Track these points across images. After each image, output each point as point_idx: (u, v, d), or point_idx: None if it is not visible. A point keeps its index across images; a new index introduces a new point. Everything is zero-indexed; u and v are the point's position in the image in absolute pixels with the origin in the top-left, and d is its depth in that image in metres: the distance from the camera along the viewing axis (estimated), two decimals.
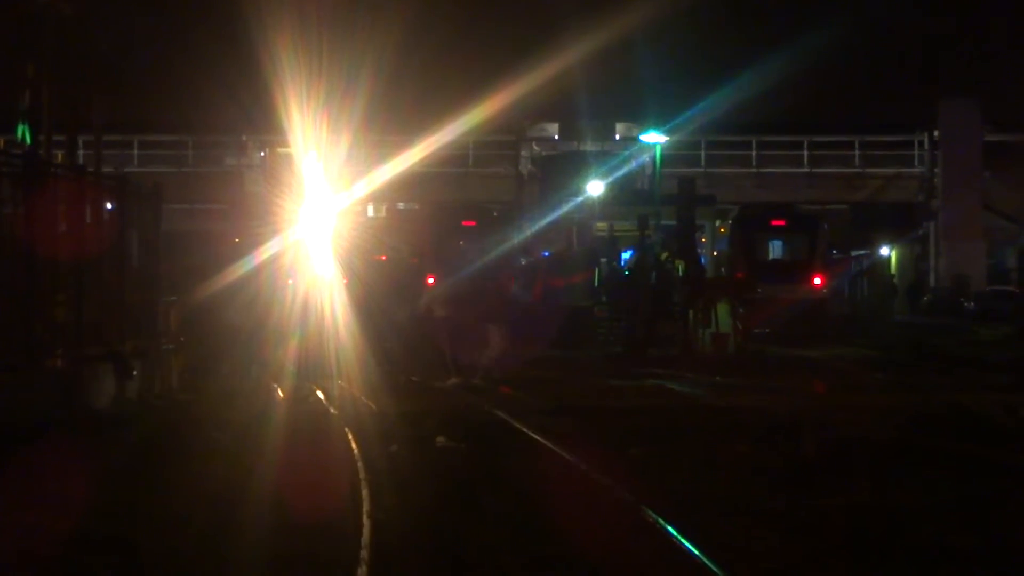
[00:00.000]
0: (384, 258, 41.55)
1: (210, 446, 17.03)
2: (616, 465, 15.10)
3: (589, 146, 59.49)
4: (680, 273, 41.86)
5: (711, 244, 56.37)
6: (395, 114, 49.83)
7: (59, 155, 23.20)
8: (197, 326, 27.68)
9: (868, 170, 61.59)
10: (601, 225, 56.81)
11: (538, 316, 39.87)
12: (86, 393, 19.47)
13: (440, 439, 17.66)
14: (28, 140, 22.15)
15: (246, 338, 28.71)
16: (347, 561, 10.65)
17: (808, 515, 12.67)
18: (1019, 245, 57.96)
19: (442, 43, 51.35)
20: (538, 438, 17.57)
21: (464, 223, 44.49)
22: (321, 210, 37.58)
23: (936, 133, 60.88)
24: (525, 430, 18.47)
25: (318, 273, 33.58)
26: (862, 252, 63.09)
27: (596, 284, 44.35)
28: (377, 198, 53.46)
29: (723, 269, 49.47)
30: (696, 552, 10.86)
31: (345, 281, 34.45)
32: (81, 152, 24.13)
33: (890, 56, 62.48)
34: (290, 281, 33.04)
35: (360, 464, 15.15)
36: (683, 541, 11.22)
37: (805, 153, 61.14)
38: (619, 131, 60.92)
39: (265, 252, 31.91)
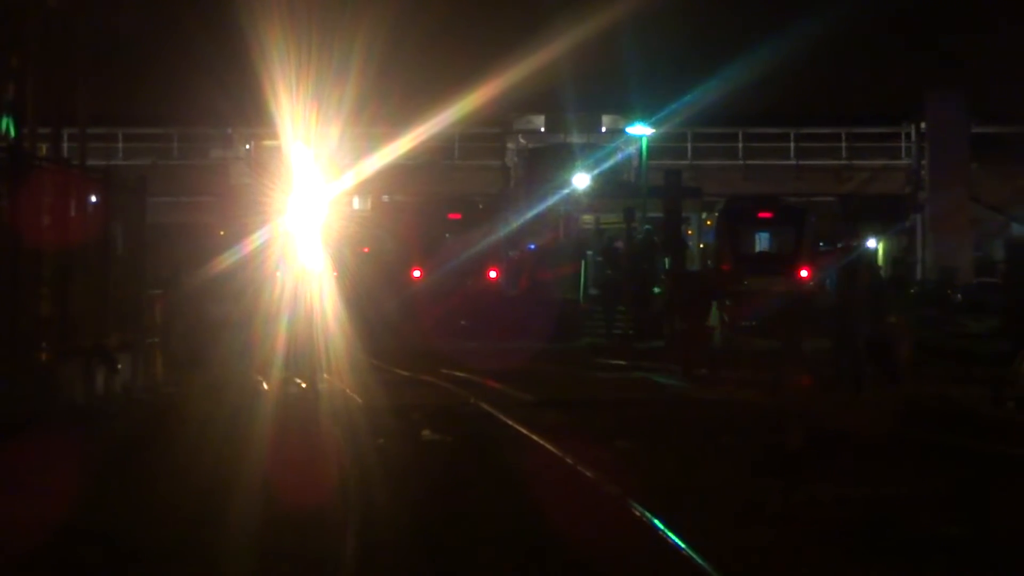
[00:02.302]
0: (367, 250, 41.53)
1: (195, 439, 16.99)
2: (602, 458, 15.10)
3: (575, 138, 59.43)
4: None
5: (697, 237, 56.28)
6: (383, 106, 49.72)
7: (43, 148, 23.11)
8: (183, 319, 27.64)
9: (855, 162, 61.51)
10: (587, 218, 56.80)
11: (525, 309, 39.91)
12: (71, 386, 19.41)
13: (427, 432, 17.65)
14: (12, 132, 22.05)
15: (232, 331, 28.66)
16: (334, 555, 10.62)
17: (796, 507, 12.68)
18: (1006, 237, 57.94)
19: (428, 35, 51.27)
20: (524, 431, 17.55)
21: (450, 216, 44.46)
22: (307, 202, 37.52)
23: (923, 125, 60.88)
24: (511, 423, 18.46)
25: (305, 266, 33.53)
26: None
27: (583, 277, 44.42)
28: (363, 190, 53.39)
29: (709, 262, 49.44)
30: (683, 545, 10.83)
31: (335, 274, 34.44)
32: (66, 145, 24.03)
33: (877, 48, 62.40)
34: (278, 273, 33.00)
35: (347, 458, 15.12)
36: (669, 534, 11.19)
37: (792, 145, 61.06)
38: (605, 123, 60.83)
39: (251, 244, 31.85)
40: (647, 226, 44.88)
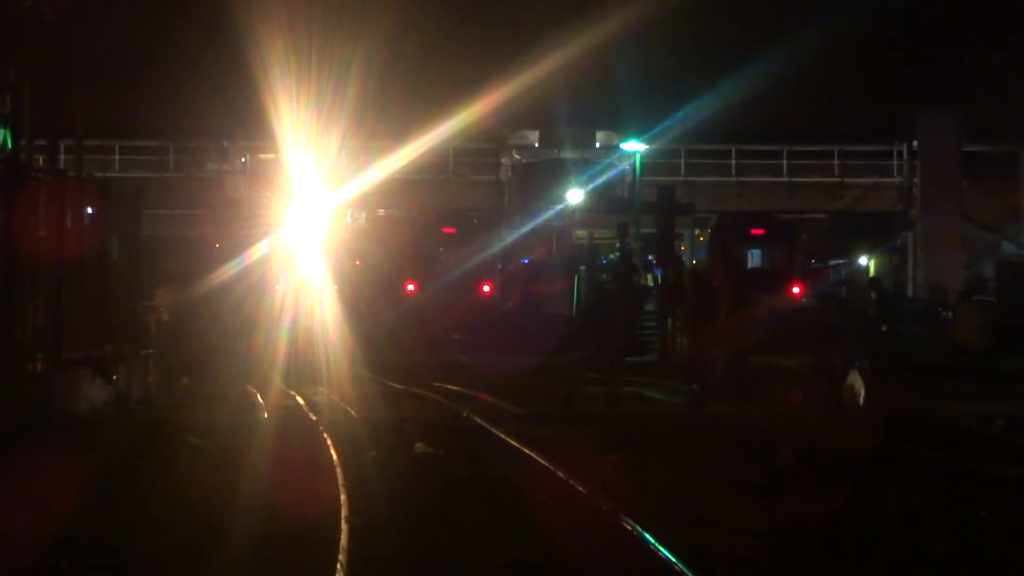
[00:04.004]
0: (359, 263, 41.60)
1: (190, 451, 17.05)
2: (594, 472, 15.14)
3: (569, 154, 59.54)
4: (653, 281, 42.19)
5: (690, 253, 56.39)
6: (380, 120, 49.85)
7: (40, 159, 23.18)
8: (178, 331, 27.70)
9: (847, 180, 61.65)
10: (581, 233, 56.89)
11: (518, 323, 39.96)
12: (66, 397, 19.46)
13: (419, 445, 17.71)
14: (9, 144, 22.14)
15: (231, 342, 28.73)
16: (325, 566, 10.69)
17: (785, 522, 12.73)
18: (997, 256, 58.07)
19: (424, 52, 51.42)
20: (516, 444, 17.61)
21: (444, 230, 44.54)
22: (303, 216, 37.63)
23: (915, 143, 61.05)
24: (503, 436, 18.52)
25: (302, 278, 33.62)
26: (841, 261, 63.21)
27: (576, 292, 44.46)
28: (358, 204, 53.49)
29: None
30: (673, 559, 10.92)
31: (335, 287, 34.56)
32: (62, 157, 24.10)
33: (869, 66, 62.64)
34: (278, 286, 33.14)
35: (339, 470, 15.18)
36: (660, 547, 11.28)
37: (784, 162, 61.22)
38: (599, 139, 60.92)
39: (247, 257, 31.94)
40: (627, 240, 45.02)
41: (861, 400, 21.93)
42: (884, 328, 27.08)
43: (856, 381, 21.85)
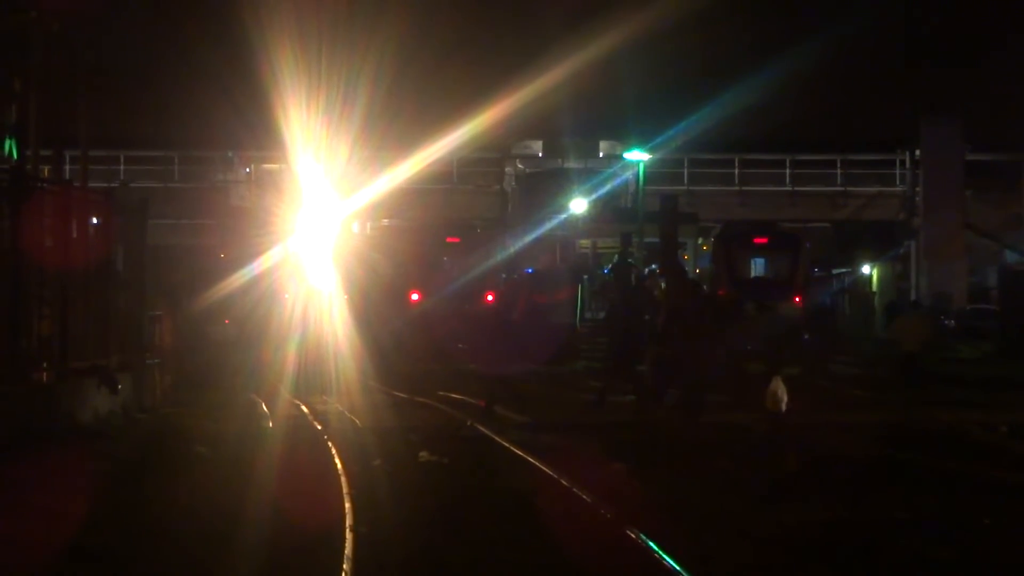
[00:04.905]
0: (363, 272, 41.71)
1: (196, 460, 17.10)
2: (598, 479, 15.20)
3: (573, 164, 59.69)
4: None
5: (694, 261, 56.52)
6: (389, 131, 49.98)
7: (46, 170, 23.27)
8: (183, 340, 27.76)
9: (850, 189, 61.78)
10: (584, 242, 57.03)
11: (521, 332, 40.00)
12: (71, 407, 19.51)
13: (424, 454, 17.75)
14: (15, 155, 22.24)
15: (237, 352, 28.77)
16: (330, 574, 10.74)
17: (788, 529, 12.78)
18: (1000, 264, 58.14)
19: (430, 63, 51.53)
20: (520, 453, 17.66)
21: (448, 240, 44.63)
22: (309, 226, 37.72)
23: (918, 152, 61.15)
24: (507, 445, 18.57)
25: (308, 288, 33.69)
26: (844, 270, 63.30)
27: (579, 301, 44.51)
28: (363, 214, 53.59)
29: (705, 286, 49.64)
30: (677, 567, 10.98)
31: (344, 296, 34.62)
32: (68, 167, 24.20)
33: (872, 75, 62.73)
34: (287, 295, 33.25)
35: (344, 479, 15.23)
36: (664, 555, 11.33)
37: (787, 171, 61.35)
38: (603, 149, 61.11)
39: (254, 267, 32.02)
40: (630, 249, 45.11)
41: (783, 407, 22.03)
42: (806, 337, 27.44)
43: (779, 388, 21.98)
